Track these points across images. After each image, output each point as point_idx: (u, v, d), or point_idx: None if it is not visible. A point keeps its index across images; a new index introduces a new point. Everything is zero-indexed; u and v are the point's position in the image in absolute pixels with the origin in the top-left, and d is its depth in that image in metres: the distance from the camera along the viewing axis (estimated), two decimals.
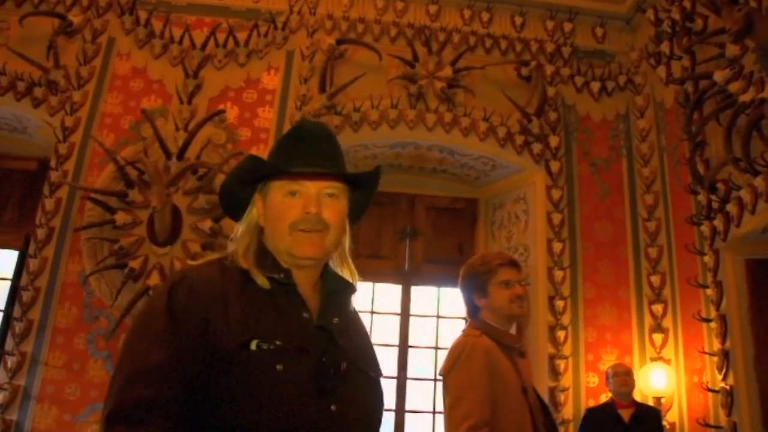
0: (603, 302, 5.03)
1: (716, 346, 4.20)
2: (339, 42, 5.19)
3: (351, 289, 1.47)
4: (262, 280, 1.33)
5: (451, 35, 5.42)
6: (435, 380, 5.16)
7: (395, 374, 5.08)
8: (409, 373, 5.16)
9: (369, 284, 5.31)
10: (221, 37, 5.17)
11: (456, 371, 2.42)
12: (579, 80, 5.48)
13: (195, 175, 4.79)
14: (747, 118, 3.84)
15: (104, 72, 5.13)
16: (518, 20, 5.55)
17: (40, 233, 4.71)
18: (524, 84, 5.38)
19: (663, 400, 4.63)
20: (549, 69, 5.44)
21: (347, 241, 1.48)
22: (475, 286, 2.59)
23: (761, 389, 4.01)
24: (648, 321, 4.94)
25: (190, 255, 4.60)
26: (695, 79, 4.52)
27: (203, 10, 5.33)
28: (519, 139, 5.22)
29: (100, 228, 4.68)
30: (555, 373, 4.77)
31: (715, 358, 4.19)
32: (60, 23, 5.09)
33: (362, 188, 1.50)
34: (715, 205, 4.31)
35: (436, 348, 5.26)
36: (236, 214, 1.48)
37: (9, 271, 5.06)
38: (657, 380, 4.63)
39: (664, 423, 4.47)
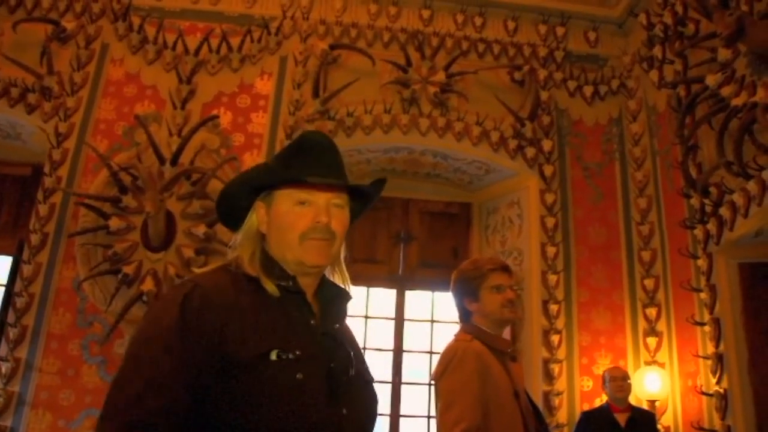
0: (597, 306, 5.03)
1: (710, 349, 4.21)
2: (332, 47, 5.20)
3: (347, 296, 1.50)
4: (272, 288, 1.35)
5: (444, 40, 5.43)
6: (429, 385, 5.15)
7: (390, 379, 5.08)
8: (404, 378, 5.16)
9: (363, 289, 5.31)
10: (214, 42, 5.17)
11: (447, 376, 2.42)
12: (572, 84, 5.50)
13: (189, 181, 4.79)
14: (739, 122, 3.86)
15: (98, 78, 5.13)
16: (511, 25, 5.57)
17: (34, 239, 4.70)
18: (517, 88, 5.40)
19: (657, 404, 4.63)
20: (542, 73, 5.46)
21: (342, 250, 1.51)
22: (467, 291, 2.60)
23: (755, 392, 4.01)
24: (642, 324, 4.95)
25: (184, 260, 4.60)
26: (687, 83, 4.54)
27: (196, 15, 5.34)
28: (512, 144, 5.23)
29: (94, 233, 4.66)
30: (549, 377, 4.77)
31: (709, 362, 4.20)
32: (53, 29, 5.08)
33: (363, 199, 1.53)
34: (708, 208, 4.32)
35: (431, 352, 5.26)
36: (232, 221, 1.49)
37: (3, 277, 5.06)
38: (651, 384, 4.63)
39: (659, 427, 4.48)
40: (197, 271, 1.48)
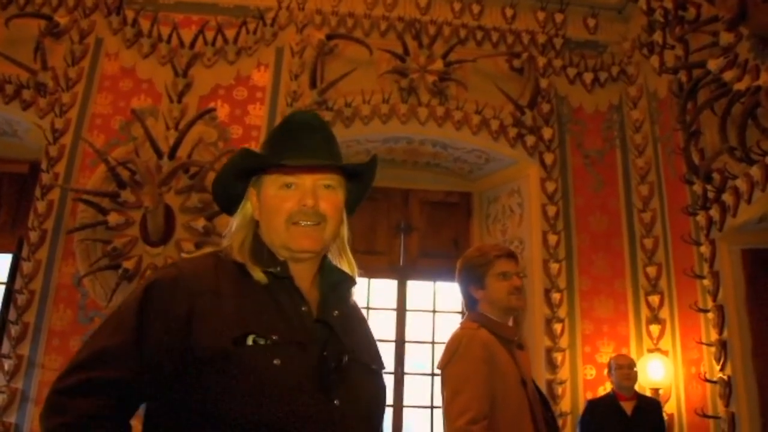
0: (599, 294, 5.02)
1: (714, 336, 4.18)
2: (329, 37, 5.14)
3: (350, 281, 1.44)
4: (258, 275, 1.31)
5: (441, 28, 5.37)
6: (432, 375, 5.16)
7: (392, 370, 5.06)
8: (406, 369, 5.15)
9: (364, 280, 5.24)
10: (210, 34, 5.12)
11: (453, 364, 2.40)
12: (571, 71, 5.45)
13: (187, 174, 4.76)
14: (742, 107, 3.80)
15: (93, 73, 5.08)
16: (509, 12, 5.50)
17: (33, 236, 4.68)
18: (516, 76, 5.35)
19: (661, 392, 4.62)
20: (541, 60, 5.40)
21: (345, 233, 1.46)
22: (473, 279, 2.57)
23: (759, 379, 4.00)
24: (645, 312, 4.93)
25: (183, 254, 4.58)
26: (689, 68, 4.48)
27: (191, 8, 5.28)
28: (512, 132, 5.19)
29: (93, 229, 4.65)
30: (552, 366, 4.76)
31: (713, 349, 4.18)
32: (46, 24, 5.02)
33: (359, 179, 1.48)
34: (710, 194, 4.28)
35: (433, 343, 5.24)
36: (231, 209, 1.46)
37: (3, 275, 5.05)
38: (655, 371, 4.62)
39: (663, 415, 4.47)
40: (185, 255, 1.44)
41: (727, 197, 4.09)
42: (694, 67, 4.40)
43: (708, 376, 4.20)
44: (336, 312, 1.36)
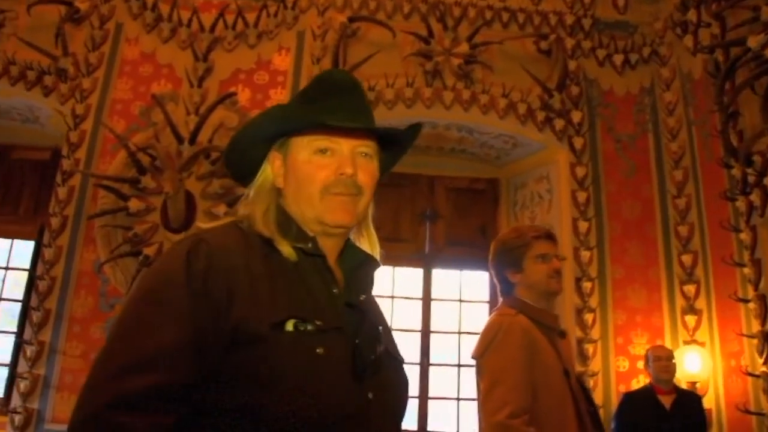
0: (632, 283, 4.84)
1: (755, 327, 3.96)
2: (351, 20, 5.02)
3: (374, 263, 1.30)
4: (288, 251, 1.16)
5: (466, 10, 5.23)
6: (458, 366, 5.03)
7: (418, 360, 4.94)
8: (432, 359, 5.02)
9: (389, 268, 5.16)
10: (230, 18, 5.04)
11: (491, 353, 2.25)
12: (601, 53, 5.26)
13: (208, 160, 4.69)
14: None
15: (113, 58, 5.04)
16: None
17: (54, 222, 4.65)
18: (544, 58, 5.18)
19: (698, 385, 4.43)
20: (569, 42, 5.23)
21: (371, 208, 1.31)
22: (509, 262, 2.43)
23: None
24: (680, 302, 4.74)
25: (199, 224, 4.51)
26: (726, 47, 4.28)
27: None
28: (540, 116, 5.03)
29: (114, 215, 4.60)
30: (583, 358, 4.59)
31: (755, 341, 3.96)
32: (67, 10, 4.99)
33: (393, 148, 1.34)
34: (751, 178, 4.07)
35: (459, 333, 5.11)
36: (243, 175, 1.31)
37: (26, 261, 5.04)
38: (691, 364, 4.43)
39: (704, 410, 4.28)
40: (202, 225, 1.24)
41: None
42: (732, 45, 4.21)
43: (750, 370, 3.99)
44: (363, 296, 1.23)
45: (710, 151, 4.64)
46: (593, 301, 4.73)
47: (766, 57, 3.83)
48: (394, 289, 5.17)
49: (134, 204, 4.55)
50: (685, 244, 4.81)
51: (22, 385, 4.38)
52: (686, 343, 4.60)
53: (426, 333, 5.04)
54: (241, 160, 1.31)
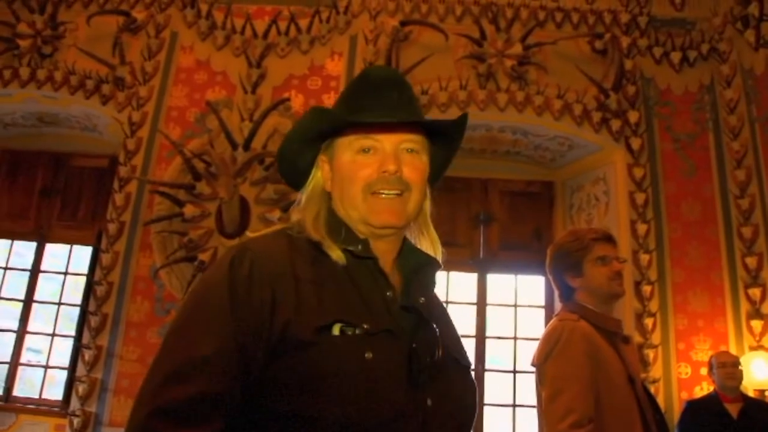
0: (694, 287, 4.68)
1: None
2: (403, 24, 5.02)
3: (435, 264, 1.25)
4: (337, 254, 1.14)
5: (519, 11, 5.17)
6: (514, 372, 4.94)
7: (472, 366, 4.86)
8: (487, 365, 4.94)
9: (443, 273, 5.10)
10: (283, 24, 5.08)
11: (553, 360, 2.17)
12: (658, 51, 5.13)
13: (262, 165, 4.72)
14: None
15: (168, 66, 5.13)
16: None
17: (112, 228, 4.74)
18: (599, 58, 5.09)
19: (767, 393, 4.26)
20: (625, 41, 5.11)
21: (428, 206, 1.27)
22: (568, 266, 2.36)
23: None
24: (745, 306, 4.56)
25: (248, 233, 4.54)
26: None
27: None
28: (596, 116, 4.92)
29: (170, 221, 4.67)
30: (644, 364, 4.45)
31: None
32: (124, 20, 5.14)
33: (444, 141, 1.29)
34: None
35: (515, 338, 5.02)
36: (299, 183, 1.28)
37: (84, 267, 5.14)
38: (759, 371, 4.25)
39: None
40: (251, 234, 1.23)
41: None
42: None
43: None
44: (422, 299, 1.17)
45: None
46: (653, 306, 4.59)
47: None
48: (449, 294, 5.11)
49: (189, 210, 4.60)
50: (749, 246, 4.65)
51: (81, 388, 4.46)
52: (752, 349, 4.43)
53: (481, 339, 4.97)
54: (292, 168, 1.28)
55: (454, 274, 5.18)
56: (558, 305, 2.44)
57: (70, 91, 5.03)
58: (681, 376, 4.51)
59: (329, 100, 4.97)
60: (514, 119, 4.95)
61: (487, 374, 4.92)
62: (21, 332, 5.09)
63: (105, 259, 4.70)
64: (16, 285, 5.25)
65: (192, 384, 0.97)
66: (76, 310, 5.11)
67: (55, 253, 5.36)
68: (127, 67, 5.02)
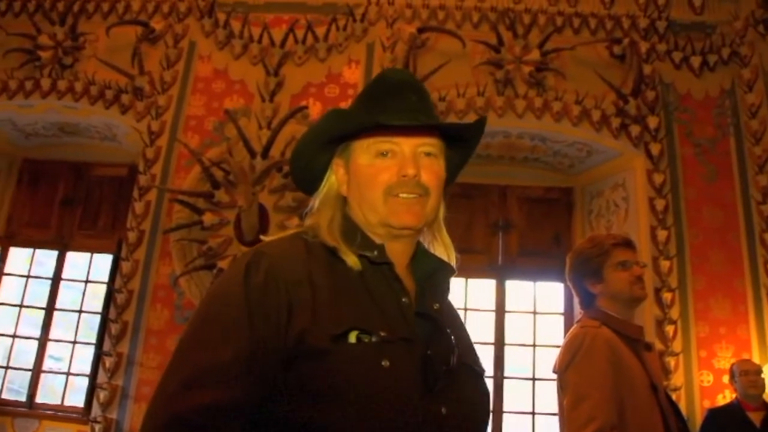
0: (715, 293, 4.62)
1: None
2: (420, 30, 5.01)
3: (448, 270, 1.25)
4: (352, 259, 1.13)
5: (536, 17, 5.14)
6: (533, 379, 4.91)
7: (491, 373, 4.85)
8: (506, 372, 4.91)
9: (461, 280, 5.09)
10: (300, 33, 5.10)
11: (575, 367, 2.16)
12: (677, 56, 5.08)
13: (280, 173, 4.73)
14: None
15: (187, 75, 5.16)
16: None
17: (132, 236, 4.78)
18: (618, 63, 5.04)
19: None
20: (644, 46, 5.07)
21: (442, 211, 1.27)
22: (588, 272, 2.35)
23: None
24: None
25: (263, 237, 4.55)
26: None
27: (281, 7, 5.28)
28: (615, 122, 4.88)
29: (189, 229, 4.70)
30: (665, 371, 4.40)
31: None
32: (143, 31, 5.18)
33: (460, 145, 1.28)
34: None
35: (534, 345, 4.99)
36: (309, 187, 1.28)
37: (104, 275, 5.20)
38: None
39: None
40: (265, 238, 1.22)
41: None
42: None
43: None
44: (437, 305, 1.17)
45: None
46: (674, 313, 4.54)
47: None
48: (467, 301, 5.09)
49: (208, 218, 4.63)
50: None
51: (102, 395, 4.51)
52: None
53: (500, 345, 4.94)
54: (306, 171, 1.28)
55: (472, 281, 5.16)
56: (577, 312, 2.42)
57: (90, 101, 5.08)
58: (703, 384, 4.46)
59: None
60: (532, 125, 4.92)
61: (506, 381, 4.89)
62: (43, 340, 5.15)
63: (125, 267, 4.74)
64: (38, 293, 5.31)
65: (209, 392, 0.96)
66: (97, 318, 5.16)
67: (76, 261, 5.42)
68: (146, 77, 5.06)
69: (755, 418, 3.88)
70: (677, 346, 4.48)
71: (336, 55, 5.13)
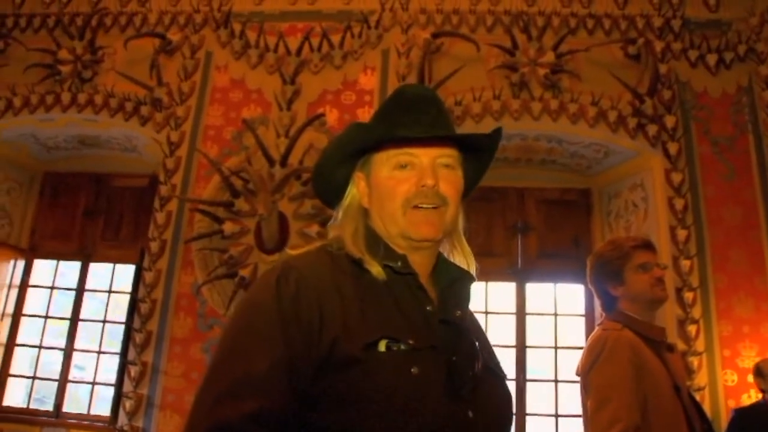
0: (737, 292, 4.60)
1: None
2: (435, 36, 5.03)
3: (469, 278, 1.28)
4: (377, 270, 1.16)
5: (550, 19, 5.14)
6: (555, 382, 4.90)
7: (513, 376, 4.85)
8: (528, 375, 4.91)
9: (481, 283, 5.09)
10: (315, 41, 5.13)
11: (598, 369, 2.18)
12: (693, 54, 5.06)
13: (299, 181, 4.77)
14: None
15: (204, 85, 5.21)
16: None
17: (154, 246, 4.83)
18: (633, 63, 5.03)
19: None
20: (659, 45, 5.05)
21: (461, 221, 1.30)
22: (609, 275, 2.37)
23: None
24: None
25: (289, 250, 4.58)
26: None
27: (296, 16, 5.32)
28: (632, 122, 4.88)
29: (210, 238, 4.75)
30: (688, 371, 4.38)
31: None
32: (160, 42, 5.24)
33: (477, 156, 1.31)
34: None
35: (556, 348, 4.98)
36: (331, 199, 1.32)
37: (128, 285, 5.25)
38: None
39: None
40: (291, 252, 1.25)
41: None
42: None
43: None
44: (459, 312, 1.20)
45: None
46: (696, 312, 4.52)
47: None
48: (488, 304, 5.10)
49: (229, 227, 4.67)
50: None
51: (128, 404, 4.57)
52: None
53: (521, 348, 4.94)
54: (327, 185, 1.31)
55: (492, 284, 5.16)
56: (598, 313, 2.43)
57: (109, 114, 5.15)
58: (727, 384, 4.43)
59: (364, 115, 5.00)
60: (548, 128, 4.92)
61: (528, 384, 4.89)
62: (69, 350, 5.22)
63: (148, 277, 4.80)
64: (63, 304, 5.39)
65: (247, 402, 0.99)
66: (120, 328, 5.22)
67: (99, 272, 5.49)
68: (164, 88, 5.12)
69: None
70: (700, 345, 4.46)
71: (352, 62, 5.16)
